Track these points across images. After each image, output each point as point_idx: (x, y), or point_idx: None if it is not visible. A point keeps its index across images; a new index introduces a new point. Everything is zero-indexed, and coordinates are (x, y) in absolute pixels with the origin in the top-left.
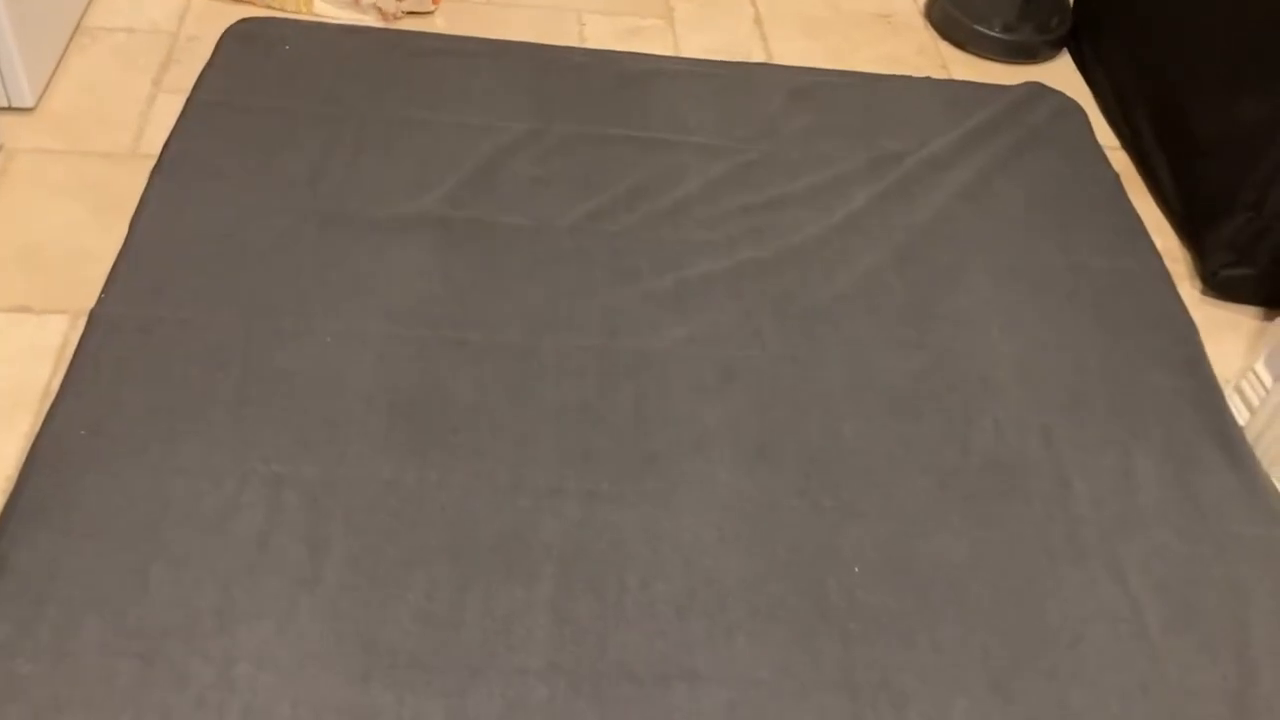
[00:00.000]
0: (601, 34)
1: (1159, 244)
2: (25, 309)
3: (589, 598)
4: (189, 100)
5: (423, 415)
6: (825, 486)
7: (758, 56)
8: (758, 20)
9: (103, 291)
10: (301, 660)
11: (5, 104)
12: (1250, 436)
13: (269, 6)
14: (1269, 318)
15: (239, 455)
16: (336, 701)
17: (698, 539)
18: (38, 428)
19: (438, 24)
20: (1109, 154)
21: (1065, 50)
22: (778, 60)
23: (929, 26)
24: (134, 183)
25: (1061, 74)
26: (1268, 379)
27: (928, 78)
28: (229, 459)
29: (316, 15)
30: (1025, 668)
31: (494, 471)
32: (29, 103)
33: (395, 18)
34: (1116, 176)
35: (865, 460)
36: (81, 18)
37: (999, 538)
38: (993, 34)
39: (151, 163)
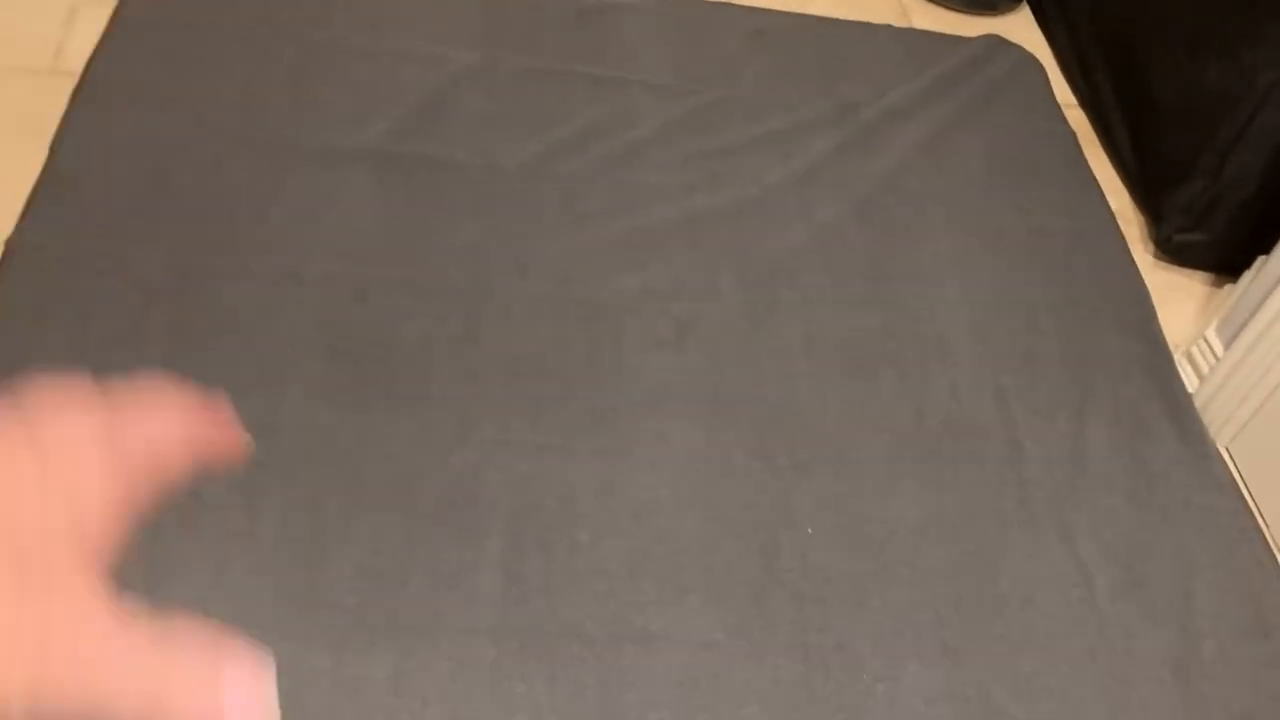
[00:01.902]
0: None
1: (1113, 205)
2: None
3: (538, 556)
4: (114, 15)
5: (364, 359)
6: (780, 446)
7: None
8: None
9: (20, 220)
10: (235, 618)
11: None
12: (1199, 403)
13: None
14: (1219, 284)
15: None
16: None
17: (651, 497)
18: None
19: None
20: (1066, 112)
21: (1025, 3)
22: None
23: None
24: (53, 103)
25: (1020, 28)
26: (1219, 347)
27: (888, 25)
28: None
29: None
30: (976, 632)
31: (440, 420)
32: None
33: None
34: (1073, 135)
35: (821, 419)
36: None
37: (952, 501)
38: None
39: (72, 81)
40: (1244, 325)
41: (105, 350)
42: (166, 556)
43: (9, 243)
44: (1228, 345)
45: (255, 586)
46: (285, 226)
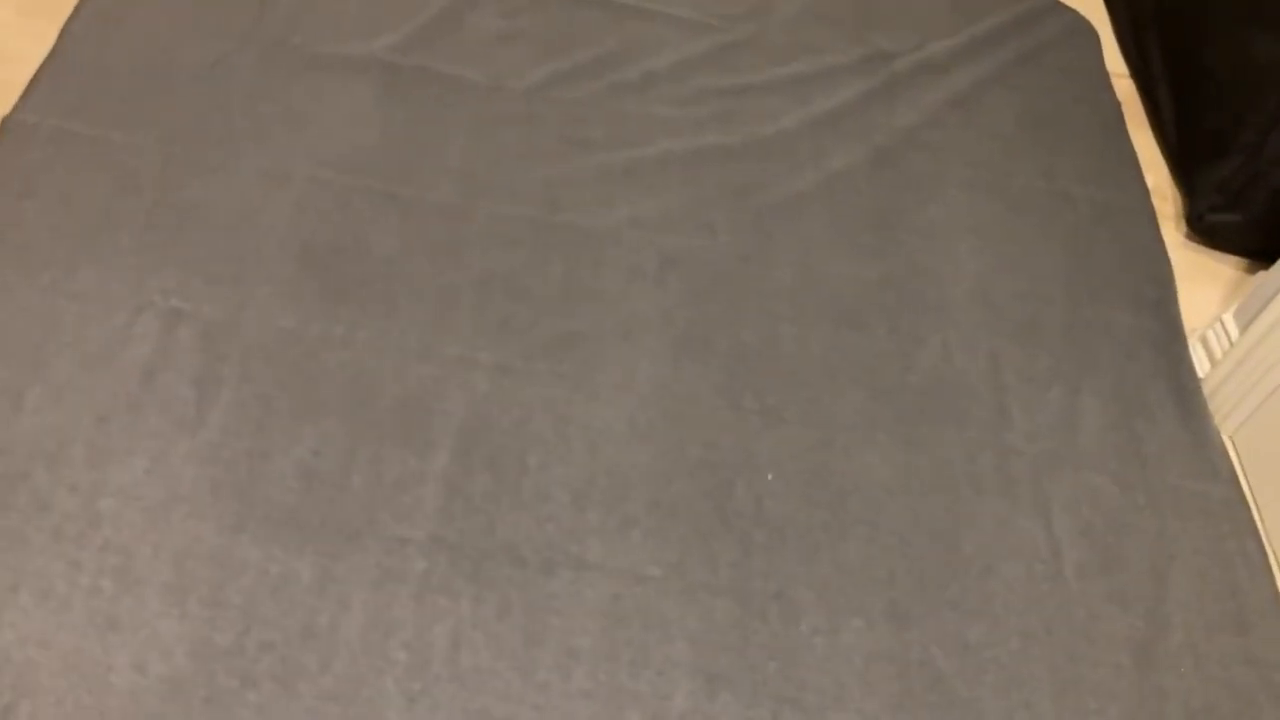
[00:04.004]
0: None
1: (1150, 180)
2: None
3: (485, 474)
4: None
5: (336, 266)
6: (751, 388)
7: None
8: None
9: (20, 99)
10: (170, 503)
11: None
12: (1207, 389)
13: None
14: (1252, 270)
15: (137, 285)
16: (201, 550)
17: (608, 427)
18: None
19: None
20: (1115, 81)
21: None
22: None
23: None
24: None
25: None
26: (1234, 331)
27: None
28: (126, 288)
29: None
30: (928, 595)
31: (404, 333)
32: None
33: None
34: (1118, 105)
35: (798, 366)
36: None
37: (925, 461)
38: None
39: None
40: (1260, 311)
41: (80, 232)
42: (110, 437)
43: (5, 120)
44: (1243, 330)
45: (194, 475)
46: (277, 128)
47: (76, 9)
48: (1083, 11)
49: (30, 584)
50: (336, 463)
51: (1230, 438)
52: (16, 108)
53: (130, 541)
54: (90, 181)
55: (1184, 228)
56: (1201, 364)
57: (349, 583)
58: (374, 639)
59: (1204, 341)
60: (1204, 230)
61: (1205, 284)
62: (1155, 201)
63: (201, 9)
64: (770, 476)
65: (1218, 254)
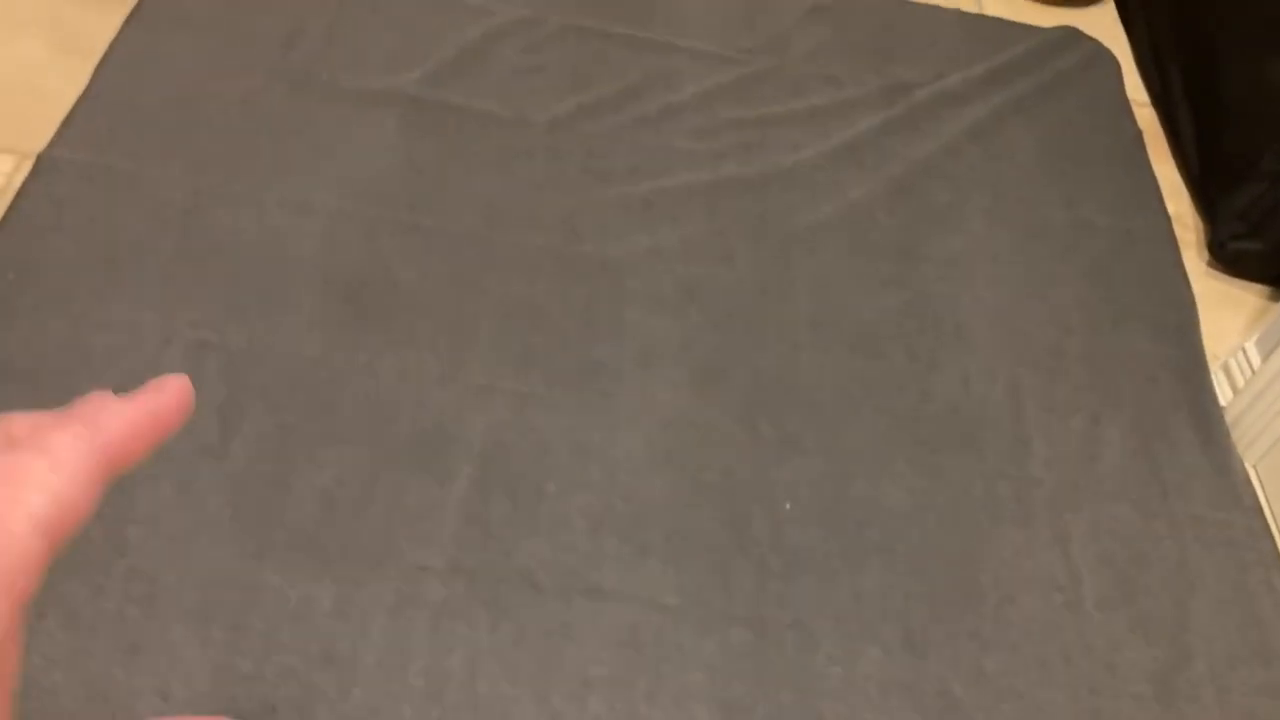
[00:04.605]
0: None
1: (1172, 209)
2: None
3: (503, 501)
4: None
5: (361, 296)
6: (770, 416)
7: None
8: None
9: (55, 135)
10: (195, 530)
11: None
12: (1230, 417)
13: None
14: (1273, 298)
15: (166, 316)
16: (224, 575)
17: (626, 454)
18: None
19: None
20: (1137, 110)
21: None
22: None
23: None
24: (104, 25)
25: (1102, 21)
26: (1256, 359)
27: (957, 10)
28: (155, 319)
29: None
30: (946, 625)
31: (425, 361)
32: None
33: None
34: (1139, 133)
35: (817, 394)
36: None
37: (943, 490)
38: None
39: (122, 4)
40: None
41: (110, 264)
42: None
43: (39, 157)
44: (1265, 359)
45: (218, 502)
46: (303, 160)
47: (110, 47)
48: (1103, 40)
49: (56, 609)
50: (357, 490)
51: (1254, 466)
52: (50, 144)
53: (155, 568)
54: (120, 214)
55: (1206, 255)
56: (1224, 392)
57: (368, 609)
58: (392, 665)
59: (1226, 369)
60: (1226, 258)
61: (1228, 311)
62: (1177, 229)
63: (231, 46)
64: (788, 505)
65: (1240, 282)
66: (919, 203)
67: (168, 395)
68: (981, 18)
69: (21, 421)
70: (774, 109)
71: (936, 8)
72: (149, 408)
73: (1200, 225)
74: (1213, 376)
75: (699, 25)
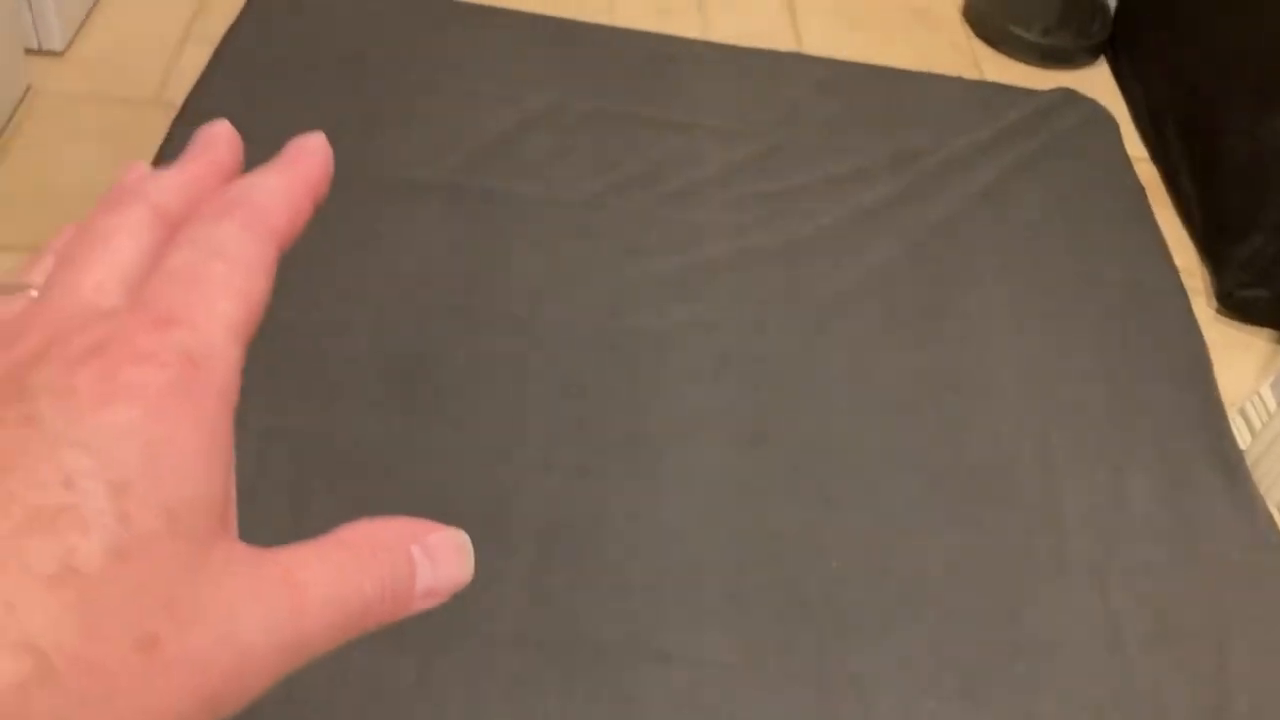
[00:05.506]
0: (631, 13)
1: (1178, 260)
2: (36, 249)
3: (565, 571)
4: (216, 52)
5: (415, 379)
6: (813, 479)
7: (787, 44)
8: (789, 7)
9: None
10: None
11: (36, 47)
12: (1250, 460)
13: None
14: None
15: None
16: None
17: (681, 522)
18: None
19: None
20: (1137, 166)
21: (1103, 57)
22: (807, 49)
23: (965, 24)
24: (155, 129)
25: (1097, 81)
26: (1271, 402)
27: (958, 77)
28: None
29: None
30: (996, 674)
31: (481, 440)
32: (58, 46)
33: None
34: (1141, 189)
35: (856, 456)
36: None
37: (983, 543)
38: (1029, 37)
39: (174, 111)
40: None
41: None
42: None
43: None
44: None
45: None
46: (351, 251)
47: (161, 151)
48: (1100, 99)
49: None
50: None
51: (1276, 507)
52: None
53: None
54: None
55: (1214, 303)
56: (1242, 436)
57: (447, 682)
58: None
59: (1243, 414)
60: (1234, 306)
61: (1240, 357)
62: (1184, 279)
63: (273, 146)
64: (835, 563)
65: (1250, 328)
66: (936, 265)
67: (312, 155)
68: (982, 83)
69: (170, 191)
70: (792, 180)
71: (939, 76)
72: (301, 176)
73: (1206, 275)
74: (1231, 421)
75: (716, 104)
